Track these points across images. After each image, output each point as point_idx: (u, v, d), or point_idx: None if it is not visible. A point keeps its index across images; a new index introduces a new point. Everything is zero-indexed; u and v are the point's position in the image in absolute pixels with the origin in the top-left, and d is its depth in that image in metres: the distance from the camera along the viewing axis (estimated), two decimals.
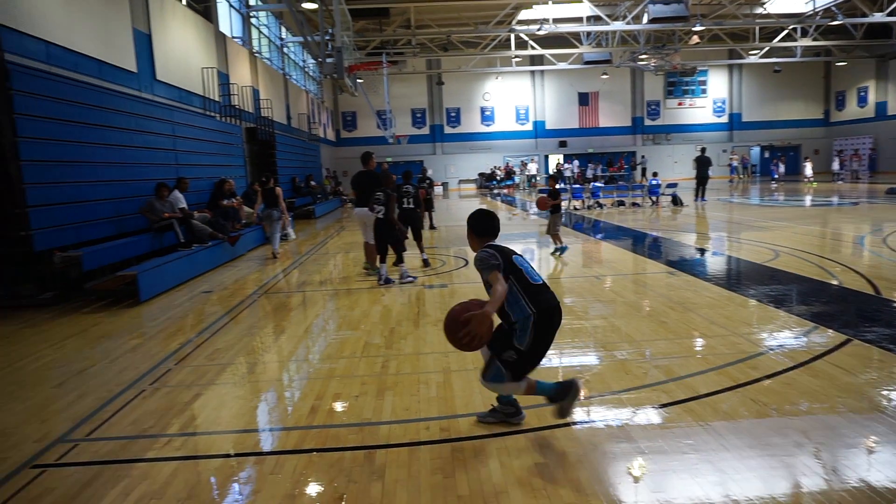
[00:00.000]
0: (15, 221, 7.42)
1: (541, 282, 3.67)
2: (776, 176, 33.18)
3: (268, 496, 3.03)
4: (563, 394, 3.54)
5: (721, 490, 2.90)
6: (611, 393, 4.19)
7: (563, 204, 22.06)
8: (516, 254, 3.72)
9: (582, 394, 3.74)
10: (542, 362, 3.65)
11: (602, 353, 5.08)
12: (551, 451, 3.39)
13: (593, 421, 3.77)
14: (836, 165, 32.43)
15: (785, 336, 5.37)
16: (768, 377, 4.35)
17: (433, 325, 6.18)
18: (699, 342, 5.31)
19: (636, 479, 3.06)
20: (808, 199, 20.87)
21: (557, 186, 10.83)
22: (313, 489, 3.09)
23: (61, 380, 5.00)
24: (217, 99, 16.16)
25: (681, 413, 3.80)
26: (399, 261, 8.95)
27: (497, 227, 3.86)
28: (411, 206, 9.73)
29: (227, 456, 3.54)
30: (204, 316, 7.21)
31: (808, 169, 29.81)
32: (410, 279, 8.55)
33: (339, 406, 4.17)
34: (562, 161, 37.57)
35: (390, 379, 4.66)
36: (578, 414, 3.87)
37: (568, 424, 3.72)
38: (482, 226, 3.86)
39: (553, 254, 10.42)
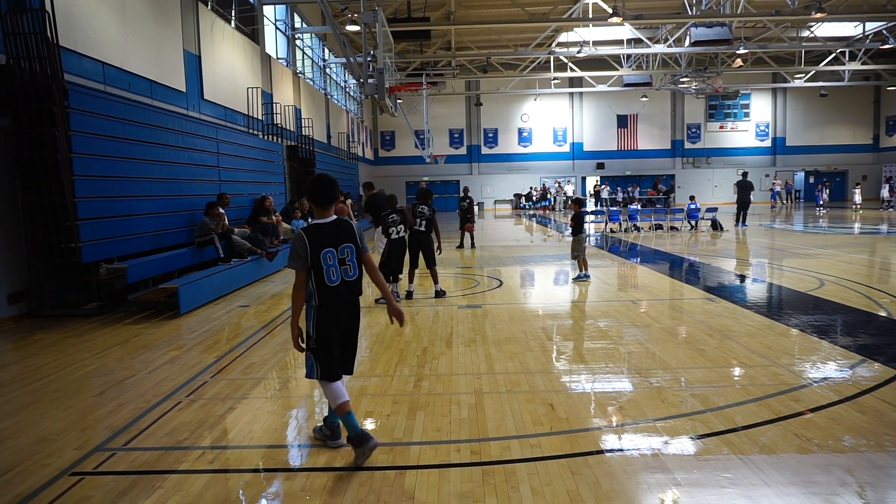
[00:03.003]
0: (66, 233, 7.71)
1: (337, 282, 3.60)
2: (821, 202, 32.23)
3: None
4: (358, 442, 3.50)
5: None
6: (645, 421, 4.10)
7: (600, 226, 21.82)
8: (330, 246, 3.58)
9: (376, 453, 3.56)
10: (339, 370, 3.68)
11: (637, 379, 4.98)
12: (583, 479, 3.32)
13: (627, 449, 3.68)
14: (885, 192, 31.19)
15: (829, 368, 5.18)
16: (812, 411, 4.20)
17: (466, 346, 6.16)
18: (738, 371, 5.16)
19: None
20: (855, 227, 20.21)
21: (584, 209, 10.64)
22: None
23: (102, 389, 5.14)
24: (260, 117, 16.59)
25: (718, 444, 3.68)
26: (392, 280, 8.74)
27: (334, 194, 3.69)
28: (422, 229, 8.96)
29: (258, 471, 3.57)
30: (240, 330, 7.33)
31: (858, 195, 28.91)
32: (383, 301, 8.23)
33: (370, 424, 4.18)
34: (598, 183, 37.29)
35: (422, 399, 4.65)
36: (612, 441, 3.80)
37: (601, 452, 3.64)
38: (319, 195, 3.67)
39: (575, 280, 10.18)
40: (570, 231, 10.41)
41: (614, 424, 4.12)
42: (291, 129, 19.40)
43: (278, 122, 17.61)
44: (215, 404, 4.68)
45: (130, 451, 3.85)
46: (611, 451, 3.68)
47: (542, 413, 4.28)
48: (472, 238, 15.84)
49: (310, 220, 14.63)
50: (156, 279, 8.99)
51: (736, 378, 5.02)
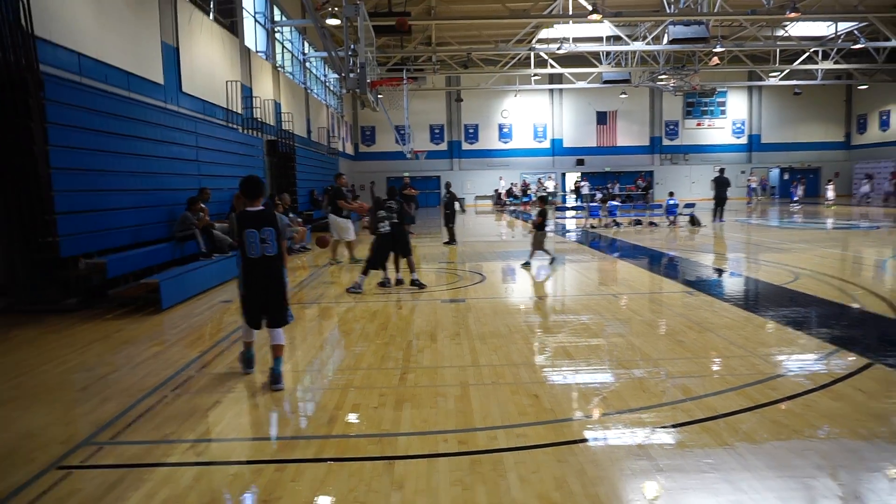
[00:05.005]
0: (43, 227, 7.59)
1: (257, 256, 4.83)
2: (795, 198, 32.81)
3: (289, 503, 3.07)
4: (246, 364, 5.29)
5: None
6: (629, 411, 4.19)
7: (581, 222, 22.04)
8: (253, 228, 4.80)
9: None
10: (259, 320, 4.98)
11: (619, 371, 5.08)
12: (570, 466, 3.39)
13: (611, 437, 3.77)
14: (865, 188, 31.23)
15: (805, 358, 5.33)
16: (788, 399, 4.33)
17: (450, 340, 6.21)
18: (717, 362, 5.28)
19: (655, 497, 3.06)
20: (828, 222, 20.66)
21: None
22: (334, 497, 3.12)
23: (85, 384, 5.09)
24: (240, 111, 16.43)
25: (699, 432, 3.79)
26: (364, 272, 9.11)
27: (260, 191, 4.95)
28: (391, 225, 8.96)
29: (248, 463, 3.59)
30: (223, 325, 7.29)
31: (830, 192, 29.46)
32: (357, 291, 8.83)
33: (357, 416, 4.21)
34: (579, 179, 37.58)
35: (408, 391, 4.69)
36: (597, 430, 3.88)
37: (586, 440, 3.72)
38: (249, 190, 4.92)
39: (524, 265, 11.25)
40: (537, 227, 11.32)
41: (598, 414, 4.20)
42: (271, 124, 19.24)
43: (258, 116, 17.46)
44: (201, 398, 4.67)
45: (117, 445, 3.84)
46: (595, 439, 3.76)
47: (527, 404, 4.35)
48: (453, 234, 15.85)
49: (290, 214, 14.60)
50: (136, 274, 8.88)
51: (715, 368, 5.15)
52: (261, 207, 4.88)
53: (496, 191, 37.35)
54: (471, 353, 5.70)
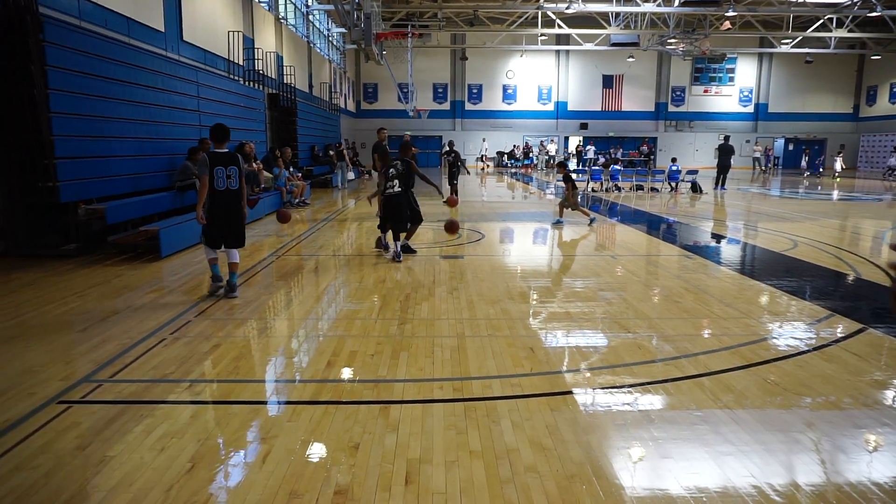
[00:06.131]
0: (43, 172, 7.54)
1: (222, 188, 5.84)
2: (821, 169, 31.98)
3: (285, 441, 3.13)
4: (215, 279, 6.11)
5: (731, 459, 2.95)
6: (623, 365, 4.24)
7: (582, 185, 21.98)
8: (221, 166, 5.84)
9: None
10: (219, 242, 5.99)
11: (615, 328, 5.12)
12: (562, 415, 3.45)
13: (605, 389, 3.82)
14: (893, 160, 29.72)
15: (799, 321, 5.37)
16: (781, 359, 4.37)
17: (448, 294, 6.25)
18: (712, 323, 5.32)
19: (646, 445, 3.12)
20: (834, 194, 20.56)
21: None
22: (329, 437, 3.18)
23: (85, 325, 5.13)
24: (241, 63, 16.17)
25: (692, 388, 3.84)
26: (396, 238, 8.10)
27: (226, 136, 5.97)
28: (397, 190, 8.02)
29: (245, 403, 3.65)
30: (223, 273, 7.31)
31: (839, 164, 29.17)
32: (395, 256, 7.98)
33: (354, 363, 4.26)
34: (581, 143, 37.24)
35: (406, 341, 4.74)
36: (591, 382, 3.94)
37: (580, 391, 3.78)
38: (217, 135, 5.95)
39: (555, 224, 11.61)
40: (569, 188, 11.85)
41: (593, 367, 4.25)
42: (273, 77, 18.96)
43: (259, 68, 17.19)
44: (200, 342, 4.72)
45: (117, 383, 3.90)
46: (589, 390, 3.81)
47: (522, 356, 4.40)
48: (455, 191, 15.76)
49: (290, 169, 14.50)
50: (135, 222, 8.87)
51: (710, 329, 5.19)
52: (226, 150, 5.97)
53: (498, 152, 37.06)
54: (468, 307, 5.73)
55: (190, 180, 10.12)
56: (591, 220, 11.76)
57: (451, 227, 9.05)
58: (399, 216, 8.05)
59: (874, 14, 25.81)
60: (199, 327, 5.12)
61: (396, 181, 8.02)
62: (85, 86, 8.35)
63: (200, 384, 3.89)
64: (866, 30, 29.93)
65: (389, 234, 8.30)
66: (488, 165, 35.50)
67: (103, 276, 7.01)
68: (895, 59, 34.07)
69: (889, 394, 3.77)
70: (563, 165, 13.08)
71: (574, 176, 12.58)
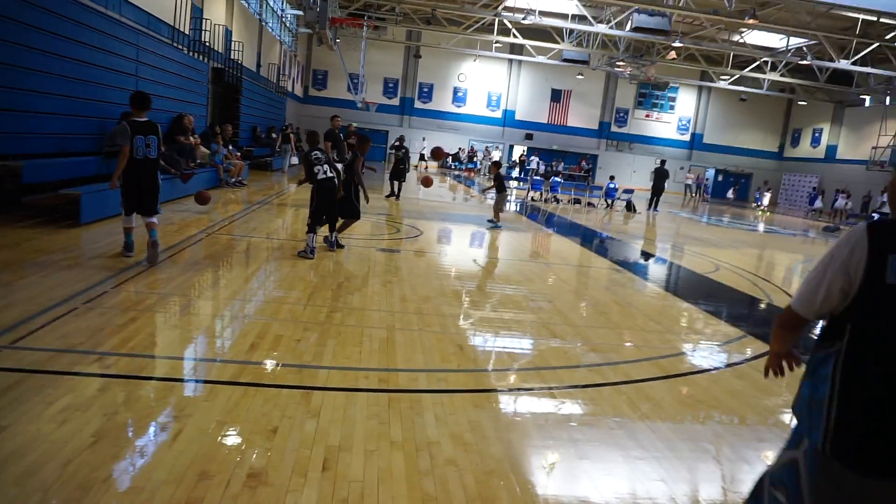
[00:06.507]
0: None
1: (141, 157, 5.96)
2: (761, 203, 33.25)
3: (199, 420, 3.00)
4: (126, 248, 6.21)
5: (643, 463, 3.04)
6: (548, 368, 4.31)
7: (522, 194, 22.29)
8: (141, 134, 5.97)
9: None
10: (137, 212, 6.10)
11: (543, 332, 5.20)
12: (485, 412, 3.47)
13: (529, 390, 3.87)
14: (765, 200, 32.74)
15: (716, 339, 5.62)
16: (696, 373, 4.56)
17: (381, 286, 6.18)
18: (636, 335, 5.49)
19: (565, 445, 3.17)
20: (758, 225, 21.73)
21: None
22: (247, 419, 3.07)
23: None
24: (187, 32, 15.51)
25: (612, 393, 3.94)
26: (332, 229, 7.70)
27: (147, 104, 6.19)
28: (327, 175, 7.41)
29: (158, 379, 3.48)
30: (146, 247, 6.96)
31: (766, 198, 31.02)
32: (309, 256, 7.17)
33: (279, 346, 4.14)
34: (525, 153, 37.82)
35: (334, 329, 4.65)
36: (515, 382, 3.98)
37: (504, 390, 3.81)
38: (137, 103, 6.18)
39: (490, 228, 11.58)
40: (495, 189, 11.94)
41: (519, 368, 4.30)
42: (219, 51, 18.29)
43: (206, 40, 16.55)
44: (115, 314, 4.47)
45: (18, 350, 3.63)
46: (513, 390, 3.85)
47: (450, 352, 4.40)
48: (399, 189, 15.62)
49: (228, 147, 13.97)
50: (55, 185, 8.32)
51: (633, 340, 5.35)
52: (146, 119, 6.13)
53: (420, 153, 36.57)
54: (400, 301, 5.69)
55: (117, 147, 9.59)
56: (497, 226, 11.63)
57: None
58: (327, 207, 7.41)
59: (805, 62, 27.48)
60: (116, 299, 4.85)
61: (327, 167, 7.38)
62: (9, 33, 7.77)
63: (111, 357, 3.68)
64: (796, 76, 31.86)
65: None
66: (427, 166, 35.33)
67: (14, 238, 6.54)
68: (819, 106, 36.42)
69: (789, 412, 4.00)
70: (496, 164, 13.26)
71: (506, 182, 13.07)
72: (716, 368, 4.72)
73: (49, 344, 3.77)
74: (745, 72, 31.13)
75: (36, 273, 5.30)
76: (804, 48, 27.55)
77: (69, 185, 8.41)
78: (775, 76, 30.99)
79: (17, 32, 7.92)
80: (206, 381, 3.53)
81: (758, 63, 30.69)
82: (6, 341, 3.74)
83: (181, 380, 3.54)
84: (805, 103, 36.45)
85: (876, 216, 16.61)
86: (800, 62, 27.79)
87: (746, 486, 2.94)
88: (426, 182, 12.42)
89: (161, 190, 6.34)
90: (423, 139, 36.14)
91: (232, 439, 2.86)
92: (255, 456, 2.73)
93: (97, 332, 4.06)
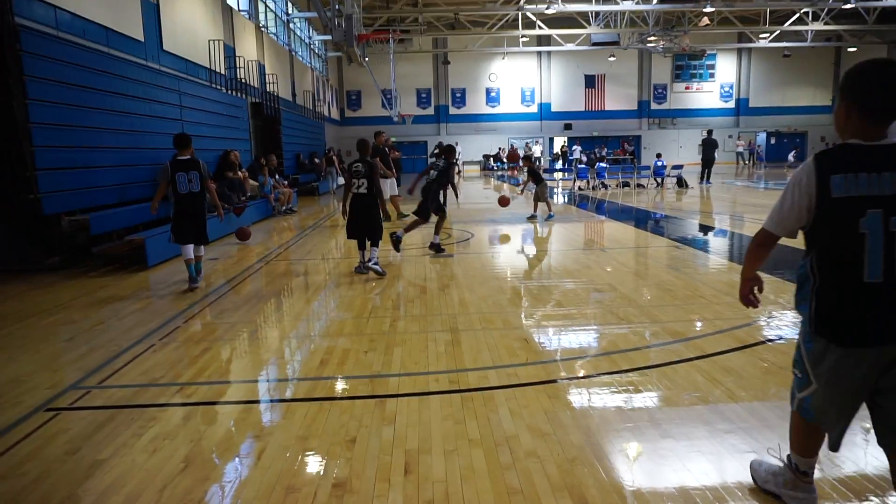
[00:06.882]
0: (24, 184, 7.42)
1: (185, 192, 6.51)
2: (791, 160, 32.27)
3: (280, 438, 3.07)
4: (191, 279, 6.60)
5: (732, 436, 2.93)
6: (619, 352, 4.22)
7: (568, 184, 22.01)
8: (183, 171, 6.49)
9: None
10: (185, 242, 6.56)
11: (608, 316, 5.10)
12: (560, 401, 3.42)
13: (602, 374, 3.79)
14: None
15: (792, 304, 5.37)
16: (775, 341, 4.37)
17: (440, 290, 6.20)
18: (705, 308, 5.32)
19: (646, 426, 3.09)
20: None
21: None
22: (325, 432, 3.12)
23: (71, 335, 5.04)
24: (223, 72, 16.07)
25: (689, 370, 3.82)
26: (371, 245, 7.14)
27: (187, 143, 6.61)
28: (361, 191, 6.99)
29: (238, 403, 3.58)
30: (211, 280, 7.22)
31: None
32: (376, 271, 6.94)
33: (348, 360, 4.20)
34: (566, 143, 37.38)
35: (399, 337, 4.69)
36: (587, 369, 3.91)
37: (577, 377, 3.76)
38: (178, 143, 6.60)
39: (547, 219, 11.90)
40: (533, 182, 12.23)
41: (588, 355, 4.23)
42: (255, 86, 18.87)
43: (242, 77, 17.10)
44: (190, 346, 4.64)
45: (106, 389, 3.81)
46: (585, 377, 3.79)
47: (517, 347, 4.37)
48: (445, 197, 15.53)
49: (276, 176, 14.35)
50: (120, 233, 8.75)
51: (703, 313, 5.18)
52: (188, 157, 6.56)
53: (485, 156, 36.94)
54: (460, 303, 5.69)
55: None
56: (550, 216, 12.12)
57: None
58: (352, 221, 7.06)
59: (849, 6, 26.18)
60: (188, 333, 5.04)
61: (364, 181, 6.95)
62: (65, 96, 8.24)
63: (191, 387, 3.81)
64: (841, 22, 30.34)
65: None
66: (460, 171, 35.06)
67: (89, 287, 6.90)
68: (871, 50, 34.55)
69: None
70: (528, 159, 13.81)
71: (542, 174, 13.27)
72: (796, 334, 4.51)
73: (133, 380, 3.95)
74: (786, 26, 29.90)
75: (113, 317, 5.56)
76: None
77: (133, 231, 8.83)
78: (819, 26, 29.60)
79: (72, 94, 8.39)
80: (281, 401, 3.61)
81: (798, 15, 29.42)
82: (94, 381, 3.93)
83: (258, 401, 3.64)
84: (855, 49, 34.62)
85: None
86: (844, 6, 26.47)
87: (845, 449, 2.79)
88: (503, 202, 12.86)
89: (207, 224, 6.90)
90: (457, 143, 36.03)
91: (313, 452, 2.92)
92: (337, 466, 2.77)
93: (175, 364, 4.22)
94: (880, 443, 2.14)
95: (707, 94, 39.13)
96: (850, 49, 34.99)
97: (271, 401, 3.63)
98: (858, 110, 2.01)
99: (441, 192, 8.51)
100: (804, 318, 2.17)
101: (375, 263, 7.00)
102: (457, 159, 15.83)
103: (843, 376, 2.08)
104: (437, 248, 8.40)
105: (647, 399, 3.41)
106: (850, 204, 1.93)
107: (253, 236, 10.34)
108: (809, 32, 30.49)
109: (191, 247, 6.60)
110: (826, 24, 29.68)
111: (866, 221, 1.91)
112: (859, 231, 1.92)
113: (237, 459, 2.88)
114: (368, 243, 7.10)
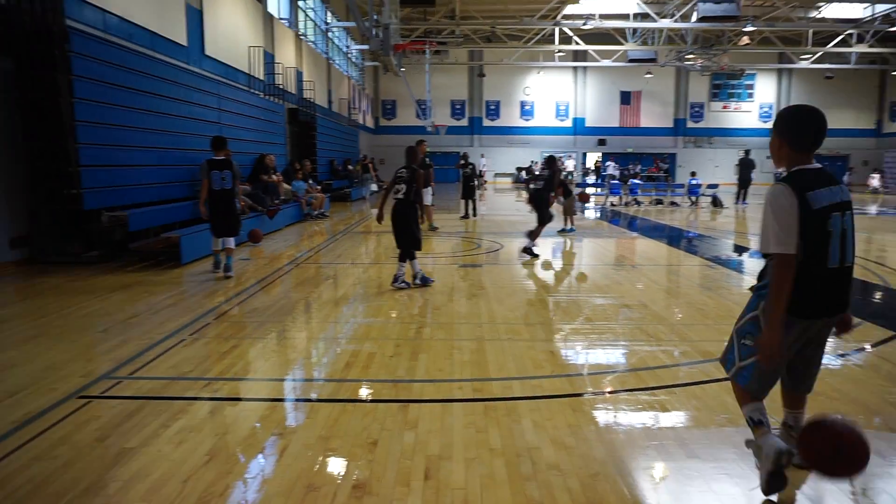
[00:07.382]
0: (67, 180, 7.66)
1: (218, 188, 7.13)
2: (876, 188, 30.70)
3: (302, 437, 3.09)
4: (216, 265, 7.50)
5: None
6: (647, 368, 4.15)
7: (601, 199, 21.86)
8: (217, 170, 7.12)
9: None
10: (219, 235, 7.30)
11: (637, 332, 5.03)
12: (584, 415, 3.38)
13: (629, 391, 3.73)
14: (875, 182, 30.20)
15: None
16: None
17: (467, 300, 6.19)
18: None
19: (672, 444, 3.03)
20: (866, 208, 20.22)
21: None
22: (347, 434, 3.13)
23: (106, 327, 5.16)
24: (262, 78, 16.40)
25: (718, 390, 3.74)
26: (403, 259, 6.89)
27: (222, 145, 7.25)
28: (399, 197, 6.76)
29: (263, 400, 3.62)
30: (242, 280, 7.34)
31: (876, 181, 28.90)
32: (404, 285, 6.72)
33: (373, 364, 4.22)
34: (600, 159, 37.11)
35: (424, 343, 4.69)
36: (613, 384, 3.86)
37: (602, 392, 3.71)
38: (214, 144, 7.26)
39: (563, 232, 11.86)
40: (563, 196, 11.97)
41: (615, 370, 4.17)
42: (292, 92, 19.20)
43: (280, 83, 17.42)
44: (219, 342, 4.71)
45: (136, 380, 3.89)
46: (611, 392, 3.73)
47: (542, 358, 4.33)
48: (474, 207, 15.64)
49: (309, 181, 14.56)
50: (156, 230, 8.96)
51: None
52: (222, 157, 7.19)
53: (518, 168, 36.84)
54: (487, 312, 5.68)
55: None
56: (571, 230, 12.01)
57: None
58: (395, 230, 6.84)
59: (895, 28, 25.54)
60: (218, 329, 5.12)
61: (404, 186, 6.73)
62: (110, 96, 8.50)
63: (219, 382, 3.87)
64: (887, 45, 29.61)
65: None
66: (484, 182, 34.60)
67: (125, 281, 7.07)
68: None
69: None
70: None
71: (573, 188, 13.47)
72: (834, 358, 4.38)
73: (163, 373, 4.02)
74: (829, 48, 29.26)
75: (146, 311, 5.69)
76: (893, 13, 25.63)
77: (169, 229, 9.03)
78: (863, 48, 28.91)
79: (116, 95, 8.65)
80: (306, 400, 3.64)
81: (842, 37, 28.78)
82: (126, 372, 4.02)
83: (283, 400, 3.67)
84: None
85: None
86: (889, 29, 25.84)
87: (880, 481, 2.71)
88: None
89: (240, 220, 7.65)
90: (483, 156, 35.98)
91: (335, 453, 2.93)
92: (358, 468, 2.78)
93: (204, 360, 4.29)
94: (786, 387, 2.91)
95: (745, 114, 38.49)
96: (893, 73, 34.12)
97: (296, 400, 3.66)
98: (790, 144, 2.56)
99: (546, 199, 9.36)
100: (766, 297, 2.53)
101: (423, 277, 6.84)
102: (471, 165, 15.75)
103: (789, 345, 2.56)
104: (530, 252, 8.95)
105: (674, 418, 3.35)
106: (823, 212, 2.43)
107: (284, 239, 10.48)
108: (853, 55, 29.82)
109: (219, 239, 7.38)
110: (871, 46, 29.00)
111: (832, 223, 2.45)
112: (827, 230, 2.44)
113: (260, 456, 2.91)
114: (408, 261, 6.82)
